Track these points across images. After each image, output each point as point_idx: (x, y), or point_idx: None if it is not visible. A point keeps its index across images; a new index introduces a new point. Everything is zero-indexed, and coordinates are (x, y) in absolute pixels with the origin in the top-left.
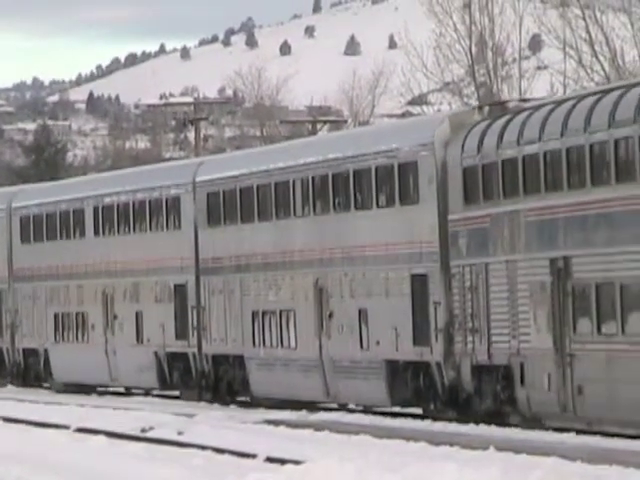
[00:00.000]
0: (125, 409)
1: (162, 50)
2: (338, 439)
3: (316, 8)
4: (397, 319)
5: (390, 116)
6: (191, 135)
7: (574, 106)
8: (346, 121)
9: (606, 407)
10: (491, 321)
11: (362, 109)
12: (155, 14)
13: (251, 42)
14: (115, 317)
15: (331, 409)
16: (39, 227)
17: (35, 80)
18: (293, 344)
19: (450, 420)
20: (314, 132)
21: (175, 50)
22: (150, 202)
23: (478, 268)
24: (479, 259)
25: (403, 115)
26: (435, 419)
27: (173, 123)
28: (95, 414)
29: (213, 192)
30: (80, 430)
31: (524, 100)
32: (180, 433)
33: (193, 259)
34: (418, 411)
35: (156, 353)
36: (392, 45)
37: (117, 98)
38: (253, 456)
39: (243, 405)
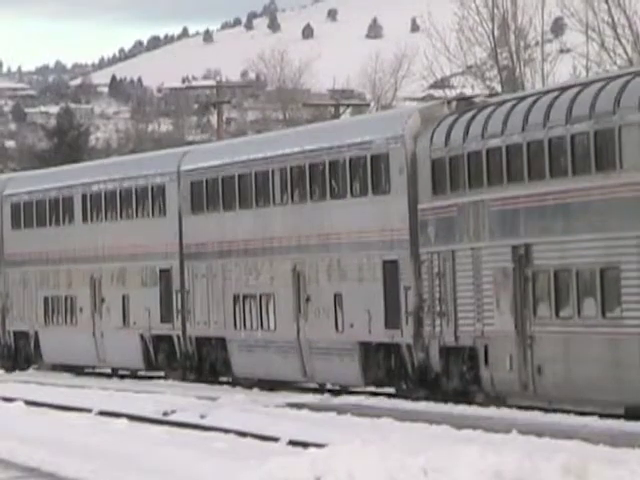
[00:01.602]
0: (147, 392)
1: (185, 33)
2: (360, 422)
3: None
4: (370, 303)
5: (412, 99)
6: (213, 118)
7: (534, 102)
8: (368, 104)
9: (563, 386)
10: (457, 305)
11: (384, 92)
12: None
13: (273, 25)
14: (102, 301)
15: (357, 392)
16: (29, 214)
17: (58, 63)
18: (272, 327)
19: (419, 398)
20: (337, 115)
21: (198, 33)
22: (136, 190)
23: (445, 255)
24: (446, 246)
25: (424, 99)
26: (406, 397)
27: (195, 106)
28: (117, 397)
29: (196, 181)
30: (102, 413)
31: (490, 95)
32: (202, 416)
33: (177, 245)
34: (390, 390)
35: (142, 335)
36: (414, 28)
37: (140, 81)
38: (276, 439)
39: (265, 388)
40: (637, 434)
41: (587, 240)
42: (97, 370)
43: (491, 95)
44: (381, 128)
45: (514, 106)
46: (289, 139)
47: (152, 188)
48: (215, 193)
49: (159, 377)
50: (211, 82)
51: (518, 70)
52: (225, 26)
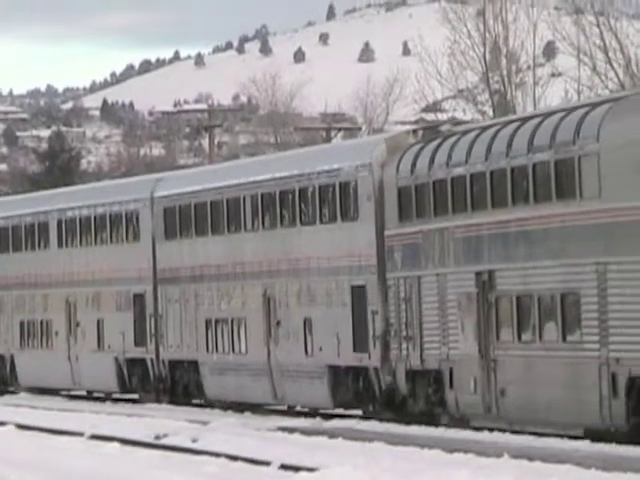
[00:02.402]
0: (139, 416)
1: (176, 57)
2: (352, 446)
3: (330, 15)
4: (338, 327)
5: (404, 123)
6: (205, 142)
7: (497, 132)
8: (360, 128)
9: (525, 408)
10: (423, 329)
11: (376, 116)
12: (169, 21)
13: (265, 49)
14: (78, 324)
15: (341, 416)
16: (5, 239)
17: (49, 87)
18: (243, 350)
19: (387, 420)
20: (328, 139)
21: (189, 57)
22: (111, 216)
23: (412, 280)
24: (412, 272)
25: (417, 122)
26: (373, 419)
27: (187, 130)
28: (109, 421)
29: (170, 207)
30: (94, 437)
31: (456, 124)
32: (194, 440)
33: (151, 270)
34: (358, 412)
35: (116, 359)
36: (406, 52)
37: (131, 105)
38: (267, 463)
39: (257, 412)
40: (628, 458)
41: (548, 266)
42: (72, 393)
43: (456, 124)
44: (349, 156)
45: (478, 135)
46: (260, 166)
47: (126, 214)
48: (188, 219)
49: (134, 400)
50: (203, 106)
51: (509, 94)
52: (217, 50)
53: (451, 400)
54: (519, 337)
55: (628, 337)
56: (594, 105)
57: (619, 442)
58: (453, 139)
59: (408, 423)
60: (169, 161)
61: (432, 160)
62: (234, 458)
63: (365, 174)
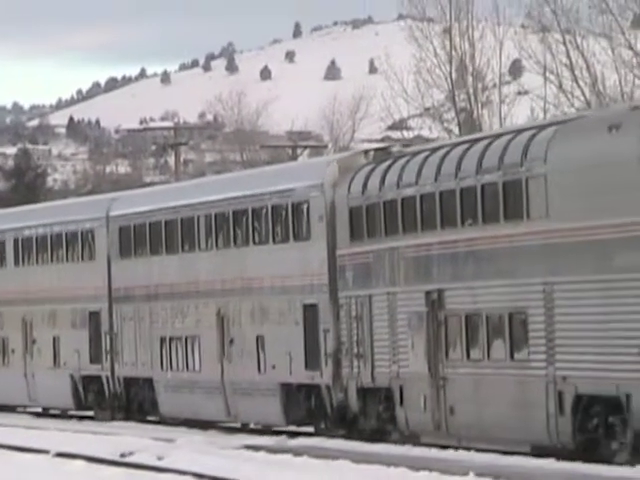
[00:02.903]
0: (105, 434)
1: (143, 74)
2: (317, 464)
3: (296, 33)
4: (291, 345)
5: (370, 141)
6: (171, 160)
7: (447, 154)
8: (326, 146)
9: (474, 425)
10: (374, 347)
11: (342, 134)
12: (136, 39)
13: (231, 67)
14: (34, 342)
15: (305, 434)
16: None
17: (15, 104)
18: (197, 368)
19: (339, 437)
20: (294, 157)
21: (155, 74)
22: (67, 235)
23: (363, 299)
24: (363, 291)
25: (383, 140)
26: (325, 436)
27: (153, 148)
28: (75, 439)
29: (125, 226)
30: (60, 455)
31: (406, 146)
32: (160, 458)
33: (106, 288)
34: (310, 429)
35: (72, 376)
36: (372, 70)
37: (97, 122)
38: None
39: (223, 430)
40: (590, 476)
41: (496, 286)
42: (28, 410)
43: (405, 146)
44: (302, 177)
45: (428, 157)
46: (214, 187)
47: (82, 233)
48: (142, 238)
49: (89, 417)
50: (169, 123)
51: (476, 112)
52: (183, 67)
53: (401, 417)
54: (468, 355)
55: (574, 355)
56: (541, 127)
57: (566, 459)
58: (403, 160)
59: (362, 440)
60: (135, 179)
61: (383, 181)
62: (200, 476)
63: (317, 194)
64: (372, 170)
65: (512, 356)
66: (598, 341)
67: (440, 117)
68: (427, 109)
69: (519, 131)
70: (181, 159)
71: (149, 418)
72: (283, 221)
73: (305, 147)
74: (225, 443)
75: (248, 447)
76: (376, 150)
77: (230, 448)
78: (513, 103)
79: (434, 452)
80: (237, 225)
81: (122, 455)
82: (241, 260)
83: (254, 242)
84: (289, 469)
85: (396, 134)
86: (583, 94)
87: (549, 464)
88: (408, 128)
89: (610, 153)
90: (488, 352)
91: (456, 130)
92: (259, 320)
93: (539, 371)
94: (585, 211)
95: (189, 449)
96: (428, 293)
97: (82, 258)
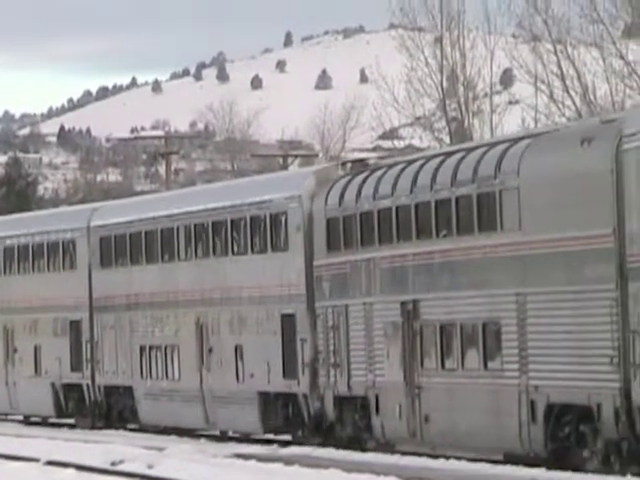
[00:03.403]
0: (95, 442)
1: (134, 83)
2: (308, 474)
3: (287, 42)
4: (269, 354)
5: (361, 150)
6: (162, 169)
7: (422, 166)
8: (317, 155)
9: (448, 433)
10: (351, 357)
11: (333, 143)
12: (127, 47)
13: (222, 76)
14: (15, 350)
15: (303, 443)
16: None
17: (6, 113)
18: (177, 376)
19: (315, 445)
20: (285, 166)
21: (146, 83)
22: (48, 244)
23: (339, 309)
24: (340, 301)
25: (374, 149)
26: (302, 444)
27: (144, 157)
28: (65, 447)
29: (105, 236)
30: (50, 463)
31: (382, 158)
32: (150, 467)
33: (87, 297)
34: (288, 437)
35: (53, 384)
36: (363, 79)
37: (88, 131)
38: None
39: (213, 439)
40: None
41: (470, 296)
42: (9, 417)
43: (382, 158)
44: (280, 188)
45: (403, 169)
46: (194, 198)
47: (63, 243)
48: (123, 248)
49: (70, 425)
50: (160, 132)
51: (467, 121)
52: (174, 76)
53: (377, 426)
54: (442, 365)
55: (546, 365)
56: (514, 141)
57: (538, 466)
58: (380, 172)
59: (335, 447)
60: (126, 187)
61: (359, 192)
62: None
63: (295, 205)
64: (349, 182)
65: (486, 366)
66: (570, 351)
67: (431, 126)
68: (418, 118)
69: (493, 144)
70: (172, 168)
71: (130, 426)
72: (261, 232)
73: (296, 156)
74: (215, 452)
75: (238, 456)
76: (353, 162)
77: (221, 457)
78: (504, 113)
79: (424, 461)
80: (216, 235)
81: (112, 464)
82: (220, 270)
83: (233, 252)
84: (280, 478)
85: (387, 143)
86: (574, 104)
87: (541, 473)
88: (399, 137)
89: (582, 166)
90: (462, 362)
91: (447, 139)
92: (238, 329)
93: (512, 380)
94: (557, 223)
95: (179, 458)
96: (403, 303)
97: (63, 268)
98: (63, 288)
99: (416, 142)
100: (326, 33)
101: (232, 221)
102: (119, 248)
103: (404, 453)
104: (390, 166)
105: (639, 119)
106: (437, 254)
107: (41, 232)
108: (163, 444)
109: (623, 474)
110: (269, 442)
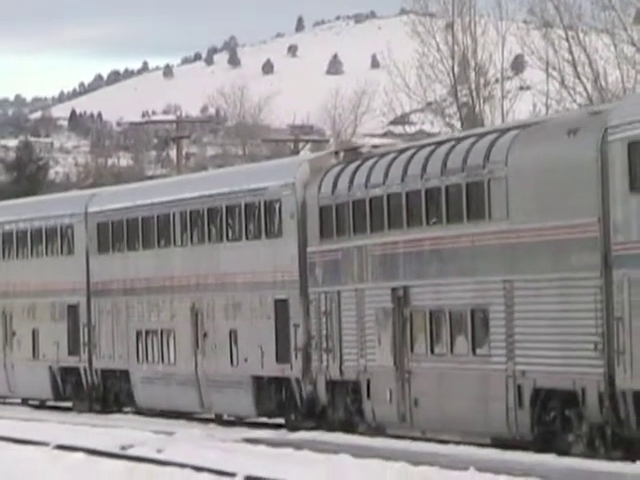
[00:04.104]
0: (105, 427)
1: (145, 68)
2: (317, 458)
3: (299, 27)
4: (262, 339)
5: (372, 135)
6: (173, 153)
7: (413, 155)
8: (328, 140)
9: (437, 417)
10: (343, 342)
11: (344, 128)
12: (138, 32)
13: (234, 61)
14: (14, 334)
15: (312, 428)
16: None
17: (17, 97)
18: (172, 361)
19: (308, 428)
20: (296, 151)
21: (158, 68)
22: (46, 230)
23: (332, 295)
24: (332, 287)
25: (385, 135)
26: (295, 428)
27: (155, 141)
28: (74, 431)
29: (103, 222)
30: (59, 447)
31: (375, 146)
32: (159, 451)
33: (85, 282)
34: (281, 421)
35: (50, 367)
36: (375, 64)
37: (99, 115)
38: (232, 475)
39: (222, 423)
40: (591, 472)
41: (459, 283)
42: (8, 401)
43: (375, 147)
44: (274, 176)
45: (395, 158)
46: (190, 185)
47: (61, 228)
48: (120, 234)
49: (67, 408)
50: (171, 117)
51: (478, 107)
52: (185, 61)
53: (368, 410)
54: (432, 350)
55: (532, 351)
56: (503, 131)
57: (525, 450)
58: (372, 161)
59: (328, 430)
60: (137, 172)
61: (352, 181)
62: (199, 469)
63: (289, 193)
64: (342, 170)
65: (474, 351)
66: (555, 337)
67: (442, 112)
68: (429, 104)
69: (482, 134)
70: (183, 152)
71: (126, 409)
72: (256, 219)
73: (307, 141)
74: (224, 436)
75: (247, 440)
76: (346, 151)
77: (230, 441)
78: (515, 98)
79: (434, 446)
80: (211, 222)
81: (122, 448)
82: (215, 256)
83: (228, 239)
84: (290, 463)
85: (398, 129)
86: (585, 90)
87: (551, 459)
88: (410, 123)
89: (568, 157)
90: (451, 347)
91: (458, 125)
92: (232, 315)
93: (499, 366)
94: (544, 212)
95: (188, 442)
96: (394, 290)
97: (61, 253)
98: (61, 273)
99: (427, 127)
100: (338, 18)
101: (227, 208)
102: (116, 234)
103: (413, 438)
104: (382, 155)
105: (624, 111)
106: (427, 242)
107: (39, 217)
108: (172, 429)
109: (607, 458)
110: (265, 425)
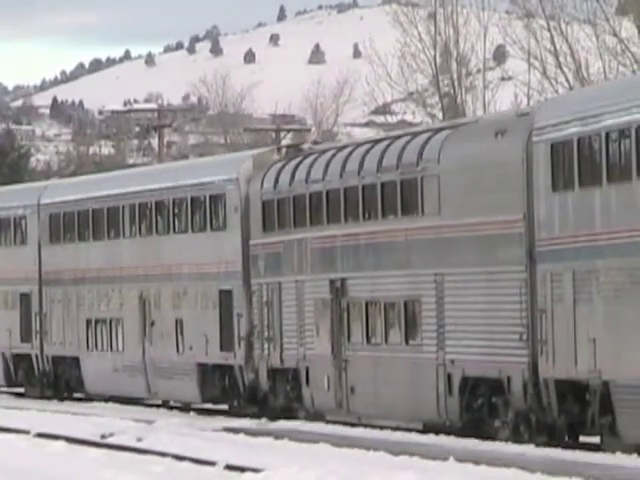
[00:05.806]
0: (85, 415)
1: (127, 56)
2: (297, 448)
3: (281, 16)
4: (207, 328)
5: (354, 125)
6: (155, 142)
7: (351, 153)
8: (310, 130)
9: (372, 404)
10: (283, 331)
11: (326, 118)
12: (120, 20)
13: (216, 50)
14: None
15: (293, 417)
16: None
17: None
18: (121, 348)
19: (251, 416)
20: (278, 140)
21: (140, 56)
22: (0, 221)
23: (273, 286)
24: (274, 278)
25: (367, 124)
26: (238, 415)
27: (137, 129)
28: (55, 419)
29: (55, 213)
30: (40, 435)
31: (316, 143)
32: (139, 440)
33: (37, 271)
34: (224, 407)
35: (3, 354)
36: (357, 54)
37: (81, 104)
38: (212, 464)
39: (202, 412)
40: (572, 462)
41: (393, 276)
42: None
43: (316, 143)
44: (219, 171)
45: (334, 155)
46: (138, 178)
47: (14, 219)
48: (71, 225)
49: (19, 394)
50: (153, 105)
51: (459, 97)
52: (167, 49)
53: (307, 396)
54: (367, 340)
55: (461, 341)
56: (436, 131)
57: (454, 435)
58: (312, 158)
59: (269, 418)
60: (118, 160)
61: (293, 176)
62: (180, 458)
63: (233, 187)
64: (283, 166)
65: (407, 341)
66: (483, 328)
67: (424, 102)
68: (411, 94)
69: (416, 134)
70: (165, 141)
71: (76, 395)
72: (201, 212)
73: (288, 130)
74: (204, 425)
75: (228, 430)
76: (288, 147)
77: (209, 430)
78: (497, 89)
79: (414, 436)
80: (159, 214)
81: (103, 436)
82: (162, 248)
83: (174, 231)
84: (269, 452)
85: (380, 118)
86: (567, 80)
87: (530, 450)
88: (392, 113)
89: (496, 156)
90: (386, 337)
91: (440, 115)
92: (178, 304)
93: (430, 355)
94: (473, 209)
95: (168, 431)
96: (332, 281)
97: (15, 243)
98: (14, 262)
99: (409, 117)
100: (320, 8)
101: (174, 201)
102: (67, 225)
103: (381, 427)
104: (322, 152)
105: (549, 114)
106: (363, 236)
107: None
108: (152, 417)
109: (531, 442)
110: (208, 411)
